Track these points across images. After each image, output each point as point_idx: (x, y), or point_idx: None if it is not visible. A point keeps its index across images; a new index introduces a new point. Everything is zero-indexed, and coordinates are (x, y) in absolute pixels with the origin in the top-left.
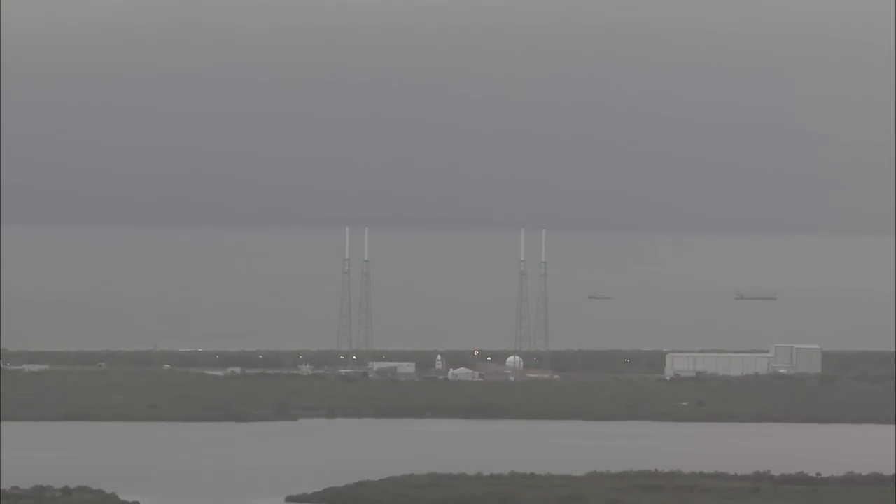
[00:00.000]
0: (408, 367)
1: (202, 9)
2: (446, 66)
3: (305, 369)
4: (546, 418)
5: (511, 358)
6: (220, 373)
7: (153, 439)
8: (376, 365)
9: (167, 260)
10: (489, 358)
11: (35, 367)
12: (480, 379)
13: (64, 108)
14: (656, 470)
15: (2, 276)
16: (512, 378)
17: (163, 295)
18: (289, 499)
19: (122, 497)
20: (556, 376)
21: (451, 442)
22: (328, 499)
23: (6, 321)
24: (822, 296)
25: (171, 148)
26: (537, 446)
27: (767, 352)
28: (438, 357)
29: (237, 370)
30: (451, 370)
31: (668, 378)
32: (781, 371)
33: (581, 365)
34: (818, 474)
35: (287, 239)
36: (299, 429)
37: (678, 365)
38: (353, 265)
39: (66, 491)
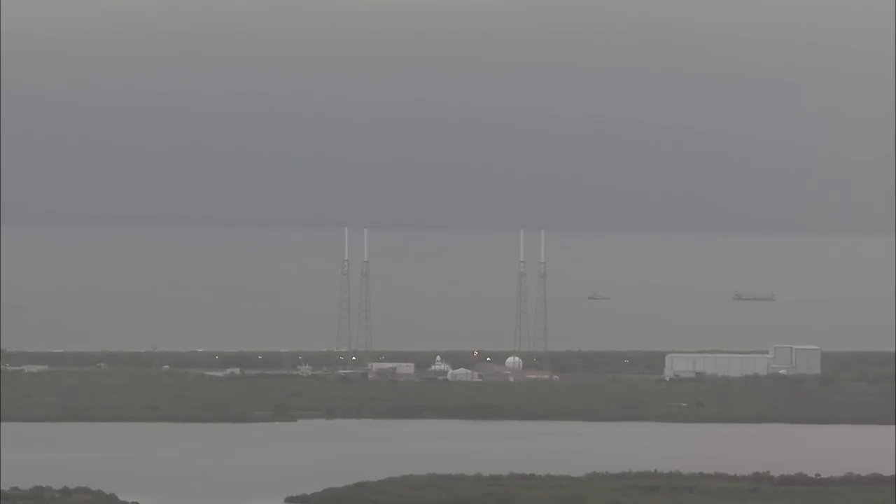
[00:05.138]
0: (407, 368)
1: (204, 11)
2: (446, 68)
3: (305, 370)
4: (545, 419)
5: (510, 358)
6: (219, 374)
7: (152, 440)
8: (375, 366)
9: (166, 260)
10: (488, 358)
11: (34, 368)
12: (480, 380)
13: (65, 109)
14: (655, 471)
15: (2, 276)
16: (511, 379)
17: (162, 295)
18: (288, 499)
19: (121, 497)
20: (555, 377)
21: (450, 443)
22: (327, 499)
23: (6, 322)
24: (822, 296)
25: (170, 148)
26: (537, 447)
27: (767, 352)
28: (438, 358)
29: (236, 371)
30: (451, 371)
31: (667, 379)
32: (781, 372)
33: (580, 365)
34: (817, 475)
35: (286, 239)
36: (298, 430)
37: (677, 366)
38: (352, 266)
39: (65, 492)
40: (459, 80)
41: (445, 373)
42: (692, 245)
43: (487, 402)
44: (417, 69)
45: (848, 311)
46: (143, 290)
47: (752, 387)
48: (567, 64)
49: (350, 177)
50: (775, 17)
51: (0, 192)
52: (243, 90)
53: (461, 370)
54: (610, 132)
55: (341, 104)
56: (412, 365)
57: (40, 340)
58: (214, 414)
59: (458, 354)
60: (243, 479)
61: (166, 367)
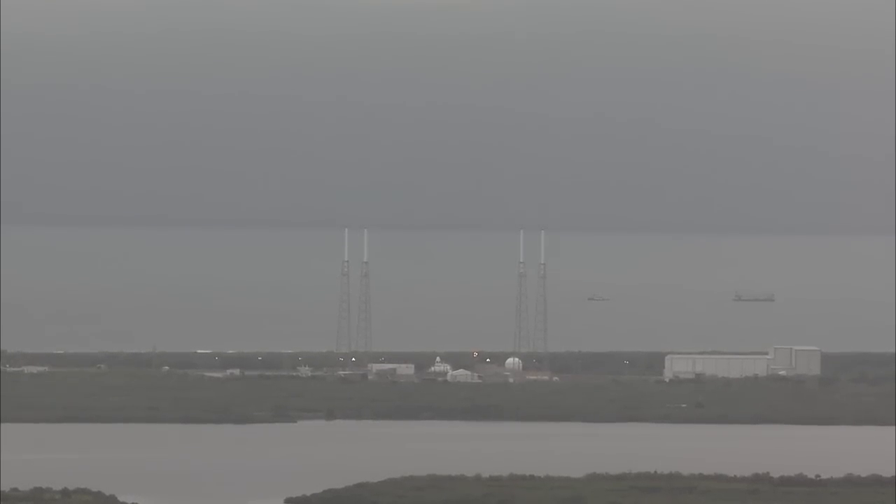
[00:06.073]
0: (407, 369)
1: (205, 12)
2: (446, 69)
3: (304, 371)
4: (545, 420)
5: (510, 359)
6: (219, 375)
7: (152, 441)
8: (375, 367)
9: (166, 261)
10: (488, 359)
11: (34, 369)
12: (479, 380)
13: (64, 110)
14: (655, 472)
15: (2, 276)
16: (511, 380)
17: (162, 296)
18: (288, 500)
19: (121, 498)
20: (555, 378)
21: (450, 443)
22: (327, 500)
23: (6, 323)
24: (821, 297)
25: (170, 149)
26: (536, 448)
27: (766, 353)
28: (438, 358)
29: (236, 372)
30: (451, 372)
31: (667, 380)
32: (780, 373)
33: (580, 366)
34: (817, 476)
35: (286, 240)
36: (298, 430)
37: (677, 367)
38: (352, 267)
39: (65, 492)
40: (459, 80)
41: (445, 374)
42: (692, 245)
43: (487, 403)
44: (416, 70)
45: (848, 311)
46: (143, 291)
47: (752, 388)
48: (567, 64)
49: (350, 177)
50: (775, 17)
51: (0, 192)
52: (243, 91)
53: (461, 371)
54: (610, 132)
55: (341, 105)
56: (412, 366)
57: (40, 340)
58: (214, 415)
59: (457, 355)
60: (243, 480)
61: (166, 368)
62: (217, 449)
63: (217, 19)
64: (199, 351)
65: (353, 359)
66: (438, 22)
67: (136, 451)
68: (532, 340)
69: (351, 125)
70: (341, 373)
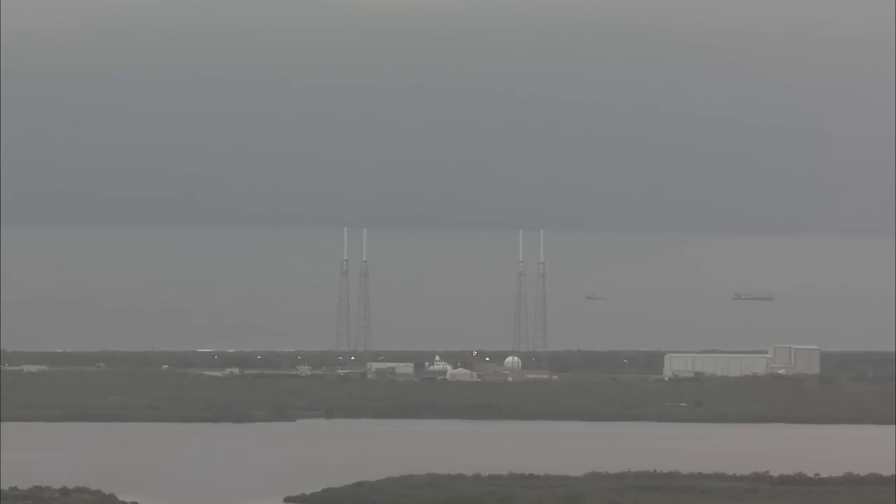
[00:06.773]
0: (406, 368)
1: (202, 10)
2: (445, 66)
3: (304, 370)
4: (544, 419)
5: (509, 358)
6: (218, 373)
7: (152, 440)
8: (374, 365)
9: (165, 260)
10: (487, 358)
11: (34, 368)
12: (479, 379)
13: (64, 109)
14: (655, 470)
15: (1, 276)
16: (510, 378)
17: (161, 295)
18: (287, 499)
19: (120, 498)
20: (554, 377)
21: (449, 442)
22: (327, 499)
23: (6, 322)
24: (821, 296)
25: (170, 148)
26: (535, 447)
27: (766, 352)
28: (437, 357)
29: (235, 371)
30: (450, 370)
31: (666, 378)
32: (780, 371)
33: (579, 365)
34: (817, 475)
35: (285, 239)
36: (297, 429)
37: (676, 365)
38: (351, 266)
39: (64, 491)
40: (457, 79)
41: (444, 372)
42: (691, 245)
43: (486, 401)
44: (416, 69)
45: (848, 311)
46: (143, 290)
47: (751, 387)
48: (566, 62)
49: (349, 177)
50: (776, 14)
51: (0, 192)
52: (242, 90)
53: (460, 370)
54: (609, 132)
55: (341, 105)
56: (411, 365)
57: (40, 339)
58: (213, 414)
59: (457, 354)
60: (243, 479)
61: (165, 366)
62: (216, 448)
63: (217, 18)
64: (198, 349)
65: (353, 357)
66: (436, 18)
67: (135, 449)
68: (531, 339)
69: (351, 125)
70: (340, 371)
